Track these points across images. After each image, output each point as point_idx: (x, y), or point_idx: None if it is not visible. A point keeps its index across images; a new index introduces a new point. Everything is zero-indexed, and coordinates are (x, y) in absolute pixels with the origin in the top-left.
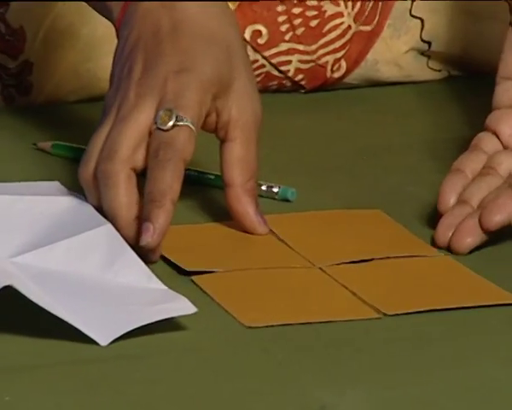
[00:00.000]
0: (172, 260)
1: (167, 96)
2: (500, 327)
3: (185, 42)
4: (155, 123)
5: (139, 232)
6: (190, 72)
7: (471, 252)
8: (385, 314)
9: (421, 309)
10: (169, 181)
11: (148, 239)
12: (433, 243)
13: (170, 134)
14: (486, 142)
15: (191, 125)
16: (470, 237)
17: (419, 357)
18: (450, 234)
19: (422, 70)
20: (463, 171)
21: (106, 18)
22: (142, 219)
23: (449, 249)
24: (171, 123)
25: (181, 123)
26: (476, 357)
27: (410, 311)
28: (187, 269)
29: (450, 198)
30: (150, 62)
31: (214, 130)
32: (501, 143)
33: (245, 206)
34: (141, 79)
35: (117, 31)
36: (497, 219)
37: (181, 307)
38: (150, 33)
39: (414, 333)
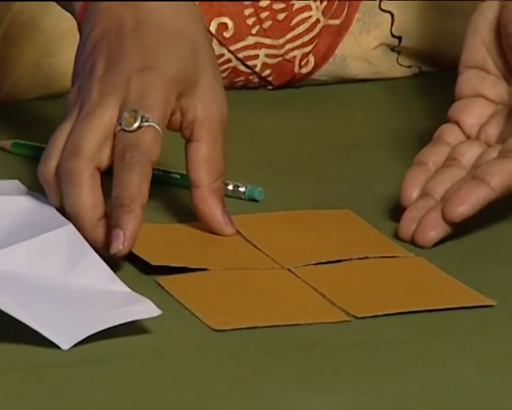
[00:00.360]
0: (136, 253)
1: (131, 95)
2: (472, 328)
3: (149, 39)
4: (120, 124)
5: (108, 238)
6: (154, 70)
7: (436, 245)
8: (355, 317)
9: (392, 312)
10: (137, 185)
11: (118, 247)
12: (397, 238)
13: (135, 136)
14: (449, 133)
15: (157, 126)
16: (434, 230)
17: (391, 360)
18: (414, 227)
19: (392, 67)
20: (426, 163)
21: (70, 13)
22: (111, 224)
23: (413, 243)
24: (136, 124)
25: (146, 124)
26: (449, 359)
27: (380, 313)
28: (152, 263)
29: (412, 192)
30: (113, 60)
31: (179, 129)
32: (463, 133)
33: (211, 207)
34: (103, 77)
35: (79, 26)
36: (460, 210)
37: (145, 309)
38: (113, 30)
39: (385, 335)
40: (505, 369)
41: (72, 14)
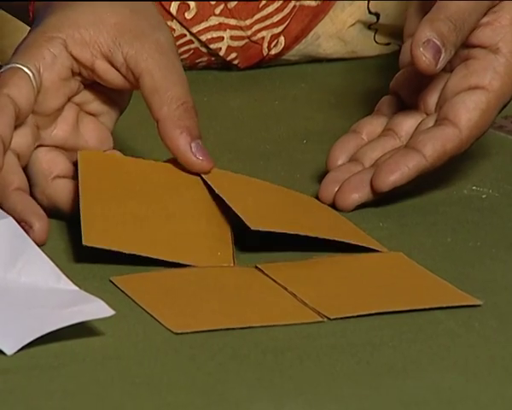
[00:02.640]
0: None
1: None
2: (456, 330)
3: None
4: None
5: None
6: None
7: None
8: (328, 318)
9: (369, 312)
10: None
11: None
12: (318, 199)
13: None
14: (388, 105)
15: (24, 68)
16: (357, 193)
17: (366, 365)
18: (336, 189)
19: (369, 45)
20: (359, 132)
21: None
22: None
23: (333, 206)
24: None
25: (9, 66)
26: (430, 364)
27: (355, 314)
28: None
29: (339, 156)
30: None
31: (124, 79)
32: (404, 104)
33: (173, 140)
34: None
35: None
36: (390, 179)
37: (96, 309)
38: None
39: (361, 338)
40: (491, 375)
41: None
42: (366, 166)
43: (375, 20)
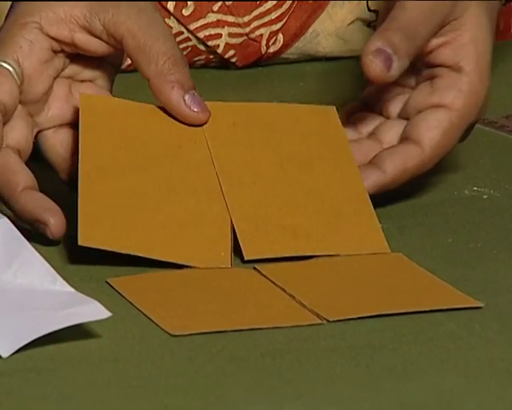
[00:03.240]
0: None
1: None
2: (457, 332)
3: None
4: None
5: None
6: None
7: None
8: (327, 320)
9: (369, 314)
10: None
11: None
12: None
13: None
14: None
15: (2, 63)
16: None
17: (366, 368)
18: None
19: None
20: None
21: None
22: None
23: None
24: None
25: None
26: (430, 367)
27: (355, 316)
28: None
29: None
30: None
31: (107, 45)
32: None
33: (167, 96)
34: None
35: None
36: None
37: (92, 311)
38: None
39: (360, 341)
40: (492, 377)
41: None
42: None
43: (375, 17)
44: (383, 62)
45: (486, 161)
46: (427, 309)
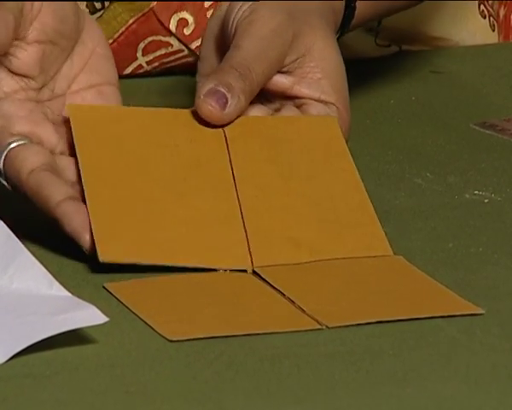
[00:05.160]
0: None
1: None
2: (457, 337)
3: None
4: None
5: None
6: None
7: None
8: (327, 326)
9: (368, 321)
10: None
11: None
12: None
13: None
14: None
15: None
16: None
17: (366, 374)
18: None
19: (369, 47)
20: None
21: None
22: None
23: None
24: None
25: None
26: (431, 373)
27: (354, 323)
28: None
29: None
30: None
31: None
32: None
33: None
34: None
35: None
36: None
37: (89, 316)
38: None
39: (360, 346)
40: (494, 383)
41: None
42: None
43: (377, 23)
44: (216, 101)
45: (487, 164)
46: (427, 316)
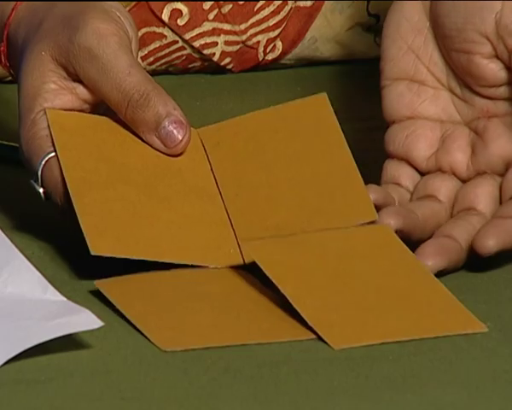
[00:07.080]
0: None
1: None
2: (458, 343)
3: None
4: None
5: None
6: None
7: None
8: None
9: (373, 343)
10: None
11: None
12: None
13: None
14: (402, 174)
15: None
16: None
17: (365, 379)
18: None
19: (368, 47)
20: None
21: None
22: None
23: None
24: None
25: None
26: (431, 378)
27: (360, 344)
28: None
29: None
30: None
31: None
32: (416, 168)
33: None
34: None
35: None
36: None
37: (83, 320)
38: None
39: (359, 352)
40: (495, 389)
41: None
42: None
43: (375, 21)
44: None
45: None
46: (431, 336)
